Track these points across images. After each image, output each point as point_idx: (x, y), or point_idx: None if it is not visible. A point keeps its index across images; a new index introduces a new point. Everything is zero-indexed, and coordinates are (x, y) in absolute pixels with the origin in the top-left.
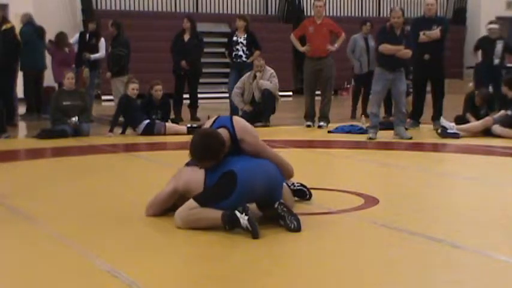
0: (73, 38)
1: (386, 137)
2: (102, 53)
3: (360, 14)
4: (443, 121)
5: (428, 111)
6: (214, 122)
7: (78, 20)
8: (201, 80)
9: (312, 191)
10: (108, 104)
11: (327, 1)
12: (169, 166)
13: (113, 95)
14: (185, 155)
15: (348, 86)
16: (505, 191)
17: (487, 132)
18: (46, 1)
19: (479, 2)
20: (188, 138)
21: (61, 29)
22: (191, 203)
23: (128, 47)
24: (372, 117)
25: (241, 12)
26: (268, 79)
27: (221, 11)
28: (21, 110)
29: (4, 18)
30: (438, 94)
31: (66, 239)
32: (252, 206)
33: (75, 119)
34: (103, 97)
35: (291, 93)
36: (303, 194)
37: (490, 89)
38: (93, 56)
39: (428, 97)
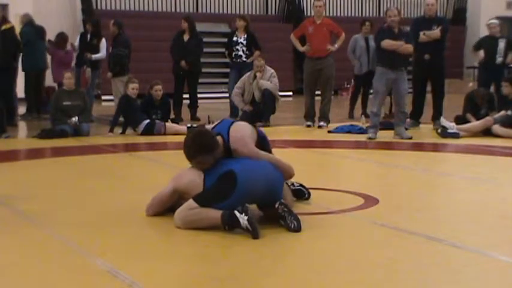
0: (75, 42)
1: (386, 137)
2: (103, 53)
3: (360, 14)
4: (444, 121)
5: (428, 111)
6: (216, 125)
7: (78, 20)
8: (200, 80)
9: (312, 191)
10: (108, 104)
11: (327, 1)
12: (169, 166)
13: (113, 95)
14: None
15: (348, 86)
16: (505, 191)
17: (487, 132)
18: (46, 1)
19: (479, 2)
20: None
21: (61, 29)
22: (191, 203)
23: (128, 46)
24: (372, 117)
25: (241, 12)
26: (268, 79)
27: (221, 11)
28: (21, 110)
29: (4, 18)
30: (438, 94)
31: (66, 239)
32: (252, 206)
33: (75, 119)
34: (103, 97)
35: (291, 93)
36: (301, 193)
37: (492, 89)
38: (94, 56)
39: (429, 97)
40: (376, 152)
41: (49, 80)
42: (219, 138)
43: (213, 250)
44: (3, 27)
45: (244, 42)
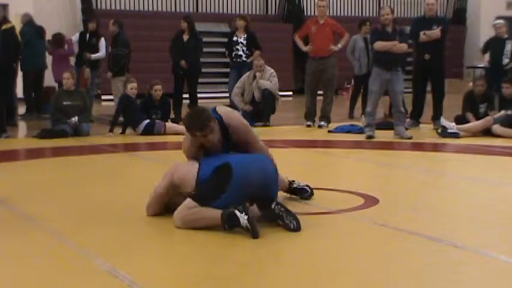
0: (74, 37)
1: (386, 137)
2: (102, 52)
3: (360, 14)
4: (444, 121)
5: (428, 111)
6: None
7: (78, 20)
8: (200, 80)
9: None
10: (108, 104)
11: (327, 1)
12: (169, 166)
13: (113, 95)
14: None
15: (348, 86)
16: (505, 191)
17: (487, 132)
18: (46, 1)
19: (479, 2)
20: None
21: (61, 29)
22: (190, 202)
23: (128, 46)
24: (367, 116)
25: (241, 12)
26: (268, 79)
27: (221, 11)
28: (21, 110)
29: (4, 18)
30: (438, 94)
31: (66, 238)
32: (253, 208)
33: (75, 119)
34: (103, 97)
35: (291, 93)
36: (304, 192)
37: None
38: (94, 56)
39: (429, 97)
40: (376, 152)
41: (49, 80)
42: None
43: (212, 250)
44: (4, 27)
45: (244, 42)
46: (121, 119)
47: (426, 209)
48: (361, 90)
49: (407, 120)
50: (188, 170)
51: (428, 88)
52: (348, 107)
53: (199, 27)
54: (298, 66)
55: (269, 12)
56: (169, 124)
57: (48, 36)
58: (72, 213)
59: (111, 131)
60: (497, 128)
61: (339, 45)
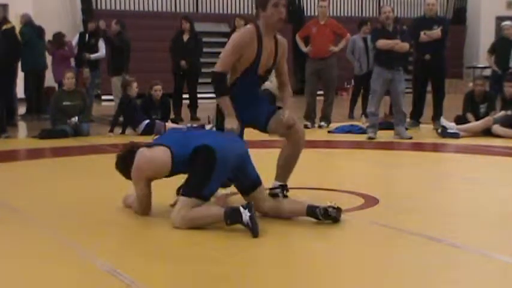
0: (74, 40)
1: (386, 137)
2: (101, 52)
3: (360, 14)
4: (444, 121)
5: (428, 111)
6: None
7: (78, 20)
8: (200, 80)
9: (312, 191)
10: (108, 104)
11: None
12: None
13: (113, 95)
14: None
15: (348, 86)
16: (505, 191)
17: (487, 132)
18: (46, 1)
19: (479, 2)
20: None
21: (61, 29)
22: (187, 200)
23: (128, 45)
24: (370, 117)
25: (241, 12)
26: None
27: (221, 11)
28: (21, 110)
29: (4, 18)
30: (438, 94)
31: (66, 239)
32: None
33: (75, 119)
34: (103, 97)
35: None
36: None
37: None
38: (93, 56)
39: (429, 97)
40: (376, 152)
41: (49, 80)
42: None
43: (212, 250)
44: (4, 27)
45: None
46: (121, 119)
47: (426, 209)
48: (361, 91)
49: (408, 120)
50: (153, 156)
51: (429, 88)
52: (348, 108)
53: (199, 27)
54: (298, 67)
55: None
56: (169, 124)
57: (48, 36)
58: (72, 213)
59: (111, 131)
60: (497, 128)
61: (340, 46)
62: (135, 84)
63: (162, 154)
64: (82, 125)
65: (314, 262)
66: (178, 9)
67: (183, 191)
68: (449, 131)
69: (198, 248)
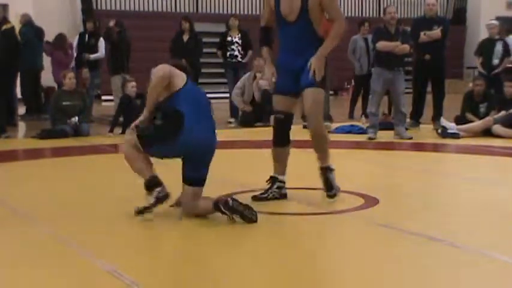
0: (74, 42)
1: (386, 137)
2: (101, 52)
3: (360, 14)
4: (444, 121)
5: (428, 111)
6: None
7: (78, 20)
8: (200, 80)
9: (312, 191)
10: (108, 104)
11: None
12: (169, 166)
13: (113, 94)
14: None
15: (348, 86)
16: (505, 191)
17: (487, 132)
18: (46, 1)
19: (479, 2)
20: None
21: (61, 29)
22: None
23: (128, 44)
24: (370, 117)
25: (241, 12)
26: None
27: (221, 11)
28: (21, 110)
29: (4, 18)
30: (438, 94)
31: (66, 239)
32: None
33: (75, 119)
34: (103, 97)
35: None
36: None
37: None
38: (93, 56)
39: (429, 97)
40: (376, 152)
41: (49, 80)
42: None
43: (212, 250)
44: (4, 27)
45: (240, 42)
46: (121, 119)
47: (426, 209)
48: (361, 91)
49: (408, 120)
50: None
51: (429, 88)
52: (348, 108)
53: (199, 27)
54: None
55: None
56: None
57: (49, 37)
58: (72, 213)
59: (111, 131)
60: (497, 128)
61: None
62: (130, 85)
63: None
64: (82, 125)
65: (314, 262)
66: (178, 9)
67: (140, 134)
68: (449, 131)
69: (199, 248)
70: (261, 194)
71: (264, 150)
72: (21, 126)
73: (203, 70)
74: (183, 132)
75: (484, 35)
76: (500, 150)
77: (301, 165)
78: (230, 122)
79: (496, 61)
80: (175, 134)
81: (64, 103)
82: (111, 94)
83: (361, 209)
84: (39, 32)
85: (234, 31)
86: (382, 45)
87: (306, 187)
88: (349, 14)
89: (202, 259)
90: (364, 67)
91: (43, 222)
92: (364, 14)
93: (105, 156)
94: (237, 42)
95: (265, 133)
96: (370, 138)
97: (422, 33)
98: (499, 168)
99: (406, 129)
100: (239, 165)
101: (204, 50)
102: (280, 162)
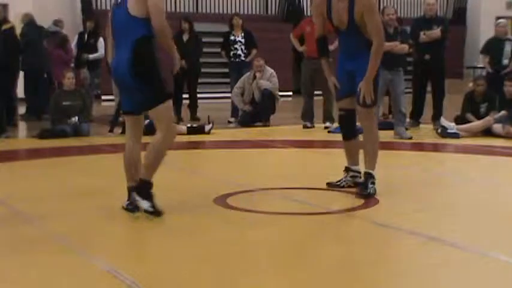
0: (73, 42)
1: (386, 137)
2: (101, 52)
3: None
4: (444, 121)
5: (428, 111)
6: None
7: (78, 20)
8: (200, 80)
9: (312, 191)
10: (108, 104)
11: None
12: (168, 166)
13: (114, 94)
14: (185, 155)
15: None
16: (505, 191)
17: (487, 132)
18: (46, 1)
19: (479, 2)
20: (188, 138)
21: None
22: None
23: None
24: None
25: (242, 12)
26: (268, 79)
27: (221, 11)
28: (21, 110)
29: (4, 18)
30: (438, 94)
31: (66, 239)
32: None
33: (75, 119)
34: (103, 97)
35: (291, 93)
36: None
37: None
38: (92, 56)
39: (429, 97)
40: None
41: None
42: None
43: (213, 250)
44: (4, 27)
45: (243, 41)
46: (121, 119)
47: (426, 209)
48: None
49: (408, 120)
50: None
51: (429, 88)
52: None
53: (199, 27)
54: (298, 67)
55: (269, 12)
56: None
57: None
58: (72, 213)
59: (111, 131)
60: (497, 128)
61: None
62: None
63: None
64: (82, 125)
65: (314, 262)
66: (178, 9)
67: None
68: (449, 131)
69: (199, 248)
70: (337, 181)
71: (263, 150)
72: (21, 126)
73: (203, 70)
74: None
75: (484, 34)
76: (500, 150)
77: (302, 165)
78: (230, 122)
79: (506, 61)
80: None
81: (64, 103)
82: (111, 94)
83: (360, 209)
84: (41, 32)
85: (237, 30)
86: None
87: (306, 187)
88: None
89: (202, 259)
90: None
91: (42, 222)
92: None
93: (105, 156)
94: (240, 42)
95: (265, 133)
96: None
97: (421, 33)
98: (499, 168)
99: (406, 129)
100: (239, 165)
101: (204, 50)
102: (351, 154)
